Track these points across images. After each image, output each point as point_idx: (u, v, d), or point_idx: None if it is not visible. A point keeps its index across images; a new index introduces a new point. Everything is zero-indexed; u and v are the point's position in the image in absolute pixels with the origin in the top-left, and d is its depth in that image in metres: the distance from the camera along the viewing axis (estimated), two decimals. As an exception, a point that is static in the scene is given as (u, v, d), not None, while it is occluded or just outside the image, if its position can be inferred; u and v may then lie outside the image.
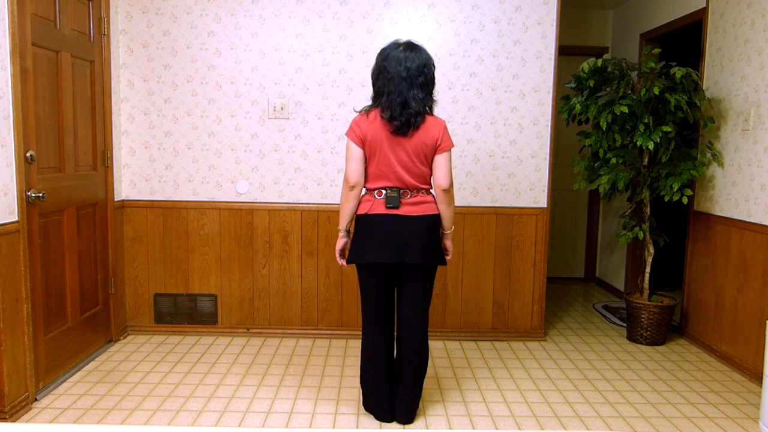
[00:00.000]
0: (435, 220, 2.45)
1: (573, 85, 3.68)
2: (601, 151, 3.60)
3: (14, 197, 2.52)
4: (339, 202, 3.11)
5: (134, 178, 3.61)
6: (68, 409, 2.64)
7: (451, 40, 3.55)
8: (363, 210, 2.45)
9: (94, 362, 3.20)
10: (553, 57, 3.56)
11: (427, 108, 2.38)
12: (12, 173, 2.51)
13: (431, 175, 2.45)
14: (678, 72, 3.36)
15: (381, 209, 2.40)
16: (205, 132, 3.58)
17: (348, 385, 2.98)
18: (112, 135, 3.43)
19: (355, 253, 2.47)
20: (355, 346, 3.54)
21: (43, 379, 2.80)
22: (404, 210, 2.40)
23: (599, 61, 3.55)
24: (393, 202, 2.38)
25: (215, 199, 3.62)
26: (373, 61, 2.73)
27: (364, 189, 2.47)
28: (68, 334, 3.02)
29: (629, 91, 3.46)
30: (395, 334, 2.58)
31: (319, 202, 3.63)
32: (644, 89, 3.37)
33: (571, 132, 5.15)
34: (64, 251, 2.98)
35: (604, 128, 3.47)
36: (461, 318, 3.72)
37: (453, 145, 2.44)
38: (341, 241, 2.55)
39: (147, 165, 3.60)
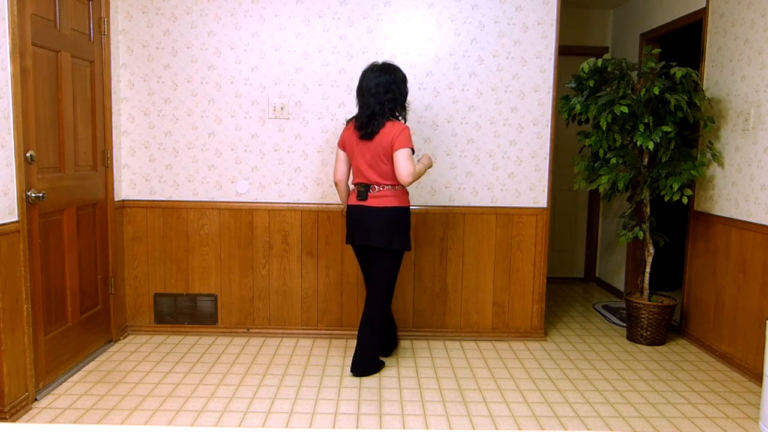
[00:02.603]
0: (392, 211, 2.89)
1: (573, 85, 3.68)
2: (601, 151, 3.60)
3: (14, 197, 2.52)
4: (339, 202, 3.62)
5: (134, 178, 3.61)
6: (68, 409, 2.64)
7: (451, 40, 3.55)
8: (348, 201, 3.04)
9: (94, 362, 3.20)
10: (553, 57, 3.56)
11: (396, 118, 2.89)
12: (12, 173, 2.51)
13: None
14: (678, 72, 3.36)
15: (354, 201, 2.96)
16: (205, 132, 3.58)
17: (348, 385, 2.98)
18: (112, 135, 3.43)
19: (346, 235, 3.09)
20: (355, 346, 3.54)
21: (43, 379, 2.80)
22: (369, 202, 2.90)
23: (599, 61, 3.54)
24: (361, 195, 2.91)
25: (215, 199, 3.62)
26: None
27: (351, 185, 3.04)
28: (68, 334, 3.02)
29: (629, 91, 3.46)
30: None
31: (319, 202, 3.63)
32: (644, 89, 3.37)
33: (571, 132, 5.15)
34: (64, 251, 2.98)
35: (604, 128, 3.47)
36: (461, 318, 3.72)
37: (409, 146, 2.81)
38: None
39: (147, 165, 3.60)
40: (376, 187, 2.89)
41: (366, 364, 3.06)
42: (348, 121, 2.99)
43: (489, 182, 3.64)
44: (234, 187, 3.62)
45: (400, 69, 2.93)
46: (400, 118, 2.93)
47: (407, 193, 3.01)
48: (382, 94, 2.82)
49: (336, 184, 3.09)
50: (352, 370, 3.07)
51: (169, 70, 3.54)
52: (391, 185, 2.89)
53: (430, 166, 3.01)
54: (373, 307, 3.03)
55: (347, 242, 3.07)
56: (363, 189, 2.89)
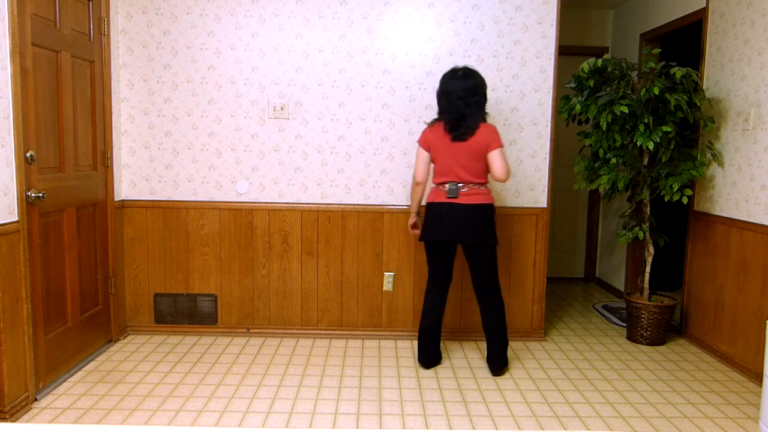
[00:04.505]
0: (485, 208, 3.02)
1: (573, 85, 3.68)
2: (601, 151, 3.60)
3: (14, 197, 2.52)
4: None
5: (134, 178, 3.61)
6: (68, 409, 2.64)
7: (451, 40, 3.55)
8: (431, 199, 3.08)
9: (94, 362, 3.20)
10: (553, 57, 3.56)
11: (480, 119, 3.00)
12: (12, 173, 2.51)
13: (487, 170, 3.03)
14: (678, 72, 3.36)
15: (443, 199, 3.02)
16: (205, 132, 3.59)
17: (348, 385, 2.98)
18: (112, 135, 3.43)
19: (423, 231, 3.12)
20: (355, 346, 3.55)
21: (43, 379, 2.80)
22: (461, 200, 2.99)
23: (599, 61, 3.54)
24: (453, 193, 3.00)
25: (215, 199, 3.62)
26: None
27: (432, 183, 3.11)
28: (68, 334, 3.02)
29: (629, 91, 3.46)
30: (477, 295, 3.17)
31: (319, 202, 3.63)
32: (644, 89, 3.37)
33: (571, 132, 5.15)
34: (64, 251, 2.98)
35: (604, 128, 3.47)
36: (461, 318, 3.72)
37: (502, 145, 3.00)
38: (412, 219, 3.27)
39: (147, 165, 3.60)
40: (468, 185, 3.00)
41: (505, 359, 3.15)
42: (430, 124, 3.08)
43: (489, 182, 3.64)
44: (234, 187, 3.62)
45: (480, 73, 3.06)
46: (486, 119, 3.06)
47: (491, 191, 3.13)
48: (470, 97, 2.96)
49: (417, 185, 3.14)
50: (494, 372, 3.15)
51: (169, 70, 3.54)
52: (481, 183, 3.03)
53: None
54: (498, 302, 3.11)
55: (425, 238, 3.09)
56: (454, 187, 2.99)
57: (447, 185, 3.01)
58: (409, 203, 3.64)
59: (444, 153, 3.01)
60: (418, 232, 3.30)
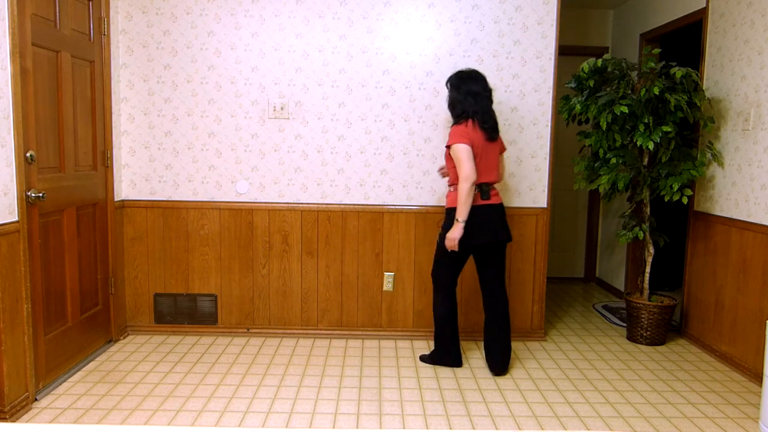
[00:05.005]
0: (503, 206, 3.09)
1: (573, 85, 3.68)
2: (601, 151, 3.60)
3: (14, 197, 2.52)
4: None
5: (134, 178, 3.61)
6: (68, 409, 2.64)
7: (451, 40, 3.55)
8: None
9: (94, 362, 3.20)
10: (553, 57, 3.56)
11: None
12: (12, 173, 2.51)
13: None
14: (678, 72, 3.36)
15: (479, 201, 2.99)
16: (205, 132, 3.59)
17: (348, 385, 2.98)
18: (112, 135, 3.43)
19: (462, 238, 2.95)
20: (355, 346, 3.55)
21: (43, 379, 2.80)
22: (493, 200, 3.01)
23: (599, 61, 3.54)
24: (487, 195, 2.99)
25: (215, 199, 3.62)
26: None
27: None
28: (68, 334, 3.02)
29: (629, 91, 3.46)
30: (483, 297, 3.17)
31: (319, 202, 3.63)
32: (644, 89, 3.37)
33: (571, 132, 5.15)
34: (64, 251, 2.98)
35: (604, 128, 3.47)
36: (461, 318, 3.72)
37: None
38: (461, 231, 2.92)
39: (147, 165, 3.60)
40: (491, 185, 3.03)
41: (508, 360, 3.16)
42: (458, 123, 2.97)
43: (489, 182, 3.64)
44: (234, 187, 3.62)
45: None
46: None
47: None
48: (490, 96, 3.02)
49: (471, 185, 2.87)
50: (497, 372, 3.14)
51: (169, 70, 3.54)
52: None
53: None
54: (506, 299, 3.13)
55: (471, 243, 2.96)
56: (487, 188, 3.00)
57: (482, 186, 2.99)
58: (408, 203, 3.64)
59: (481, 153, 2.96)
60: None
